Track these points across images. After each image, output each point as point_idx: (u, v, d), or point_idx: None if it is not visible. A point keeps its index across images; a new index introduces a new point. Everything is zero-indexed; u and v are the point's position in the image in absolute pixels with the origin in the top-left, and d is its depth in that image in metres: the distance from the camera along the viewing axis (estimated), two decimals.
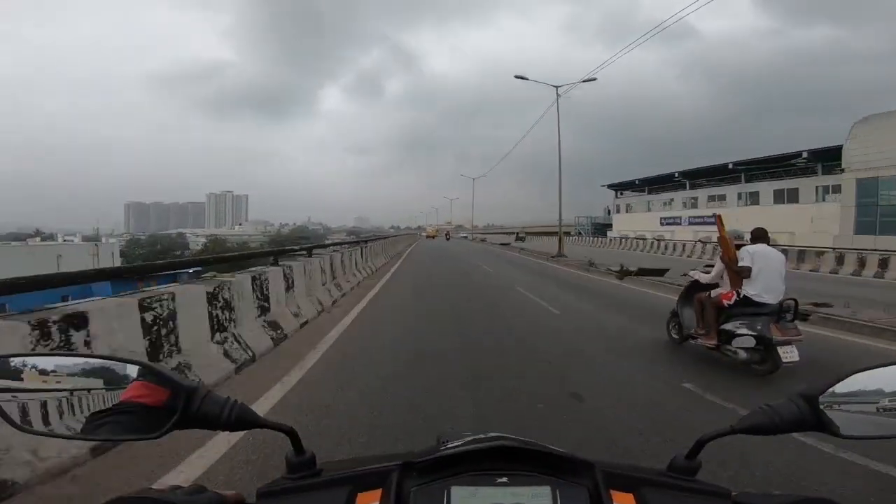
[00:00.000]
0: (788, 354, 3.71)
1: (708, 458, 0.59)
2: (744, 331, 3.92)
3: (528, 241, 46.69)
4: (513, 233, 75.89)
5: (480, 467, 0.53)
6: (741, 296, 4.04)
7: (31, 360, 0.56)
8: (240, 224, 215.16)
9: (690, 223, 38.94)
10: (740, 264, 4.03)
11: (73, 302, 2.94)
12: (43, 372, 0.55)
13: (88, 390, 0.54)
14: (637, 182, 50.92)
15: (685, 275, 5.38)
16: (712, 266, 4.64)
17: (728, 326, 4.08)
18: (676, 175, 43.44)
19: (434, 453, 0.55)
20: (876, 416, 0.57)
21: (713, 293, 4.35)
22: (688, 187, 42.56)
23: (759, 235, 4.15)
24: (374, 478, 0.54)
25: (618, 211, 53.70)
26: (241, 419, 0.55)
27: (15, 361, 0.55)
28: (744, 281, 4.03)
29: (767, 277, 3.94)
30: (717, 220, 4.39)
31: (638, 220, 47.30)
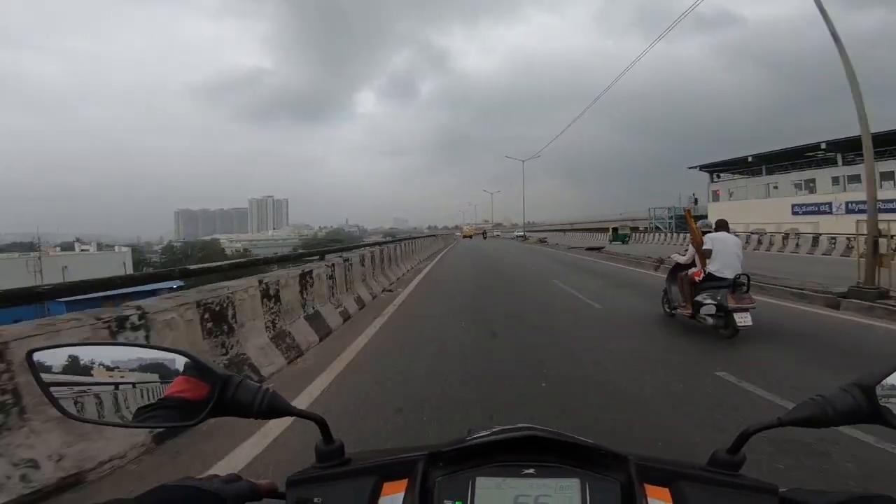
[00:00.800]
0: (743, 320, 4.67)
1: (754, 453, 0.50)
2: (708, 300, 4.93)
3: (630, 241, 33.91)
4: (560, 229, 65.65)
5: (507, 459, 0.53)
6: (706, 273, 5.05)
7: (83, 351, 0.59)
8: (274, 228, 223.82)
9: (849, 210, 27.02)
10: (704, 247, 5.05)
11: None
12: (93, 363, 0.58)
13: (135, 383, 0.58)
14: (751, 159, 36.90)
15: (670, 257, 6.39)
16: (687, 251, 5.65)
17: (698, 298, 5.09)
18: (822, 146, 30.72)
19: (460, 444, 0.56)
20: None
21: (689, 272, 5.37)
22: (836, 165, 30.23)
23: (721, 225, 5.16)
24: (401, 467, 0.55)
25: (714, 199, 40.79)
26: (273, 407, 0.57)
27: (61, 353, 0.59)
28: (707, 260, 5.04)
29: (725, 257, 4.94)
30: (687, 214, 5.40)
31: (750, 209, 34.15)
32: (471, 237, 56.34)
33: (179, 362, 0.58)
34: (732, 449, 0.55)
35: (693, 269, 5.33)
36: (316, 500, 0.53)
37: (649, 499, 0.50)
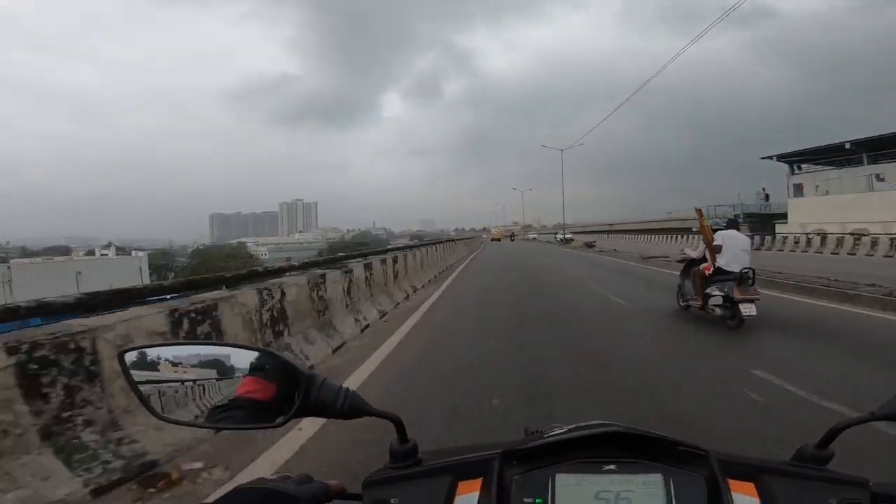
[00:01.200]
0: (747, 310, 5.15)
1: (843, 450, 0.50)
2: (716, 292, 5.45)
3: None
4: (603, 230, 52.54)
5: (584, 455, 0.53)
6: (716, 267, 5.56)
7: (163, 351, 0.61)
8: (300, 231, 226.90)
9: None
10: (714, 243, 5.57)
11: None
12: (172, 362, 0.60)
13: (211, 379, 0.58)
14: (848, 146, 29.28)
15: (683, 252, 6.90)
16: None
17: (708, 290, 5.61)
18: None
19: (536, 440, 0.55)
20: None
21: (700, 267, 5.88)
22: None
23: (731, 223, 5.65)
24: (475, 466, 0.55)
25: (797, 193, 33.89)
26: (354, 407, 0.57)
27: (150, 353, 0.61)
28: (717, 255, 5.55)
29: (732, 252, 5.44)
30: (698, 213, 5.92)
31: (846, 206, 27.41)
32: (499, 240, 54.37)
33: (252, 356, 0.59)
34: (821, 444, 0.55)
35: (704, 264, 5.84)
36: (392, 500, 0.53)
37: (734, 493, 0.49)
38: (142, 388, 0.59)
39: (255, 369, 0.58)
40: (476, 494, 0.52)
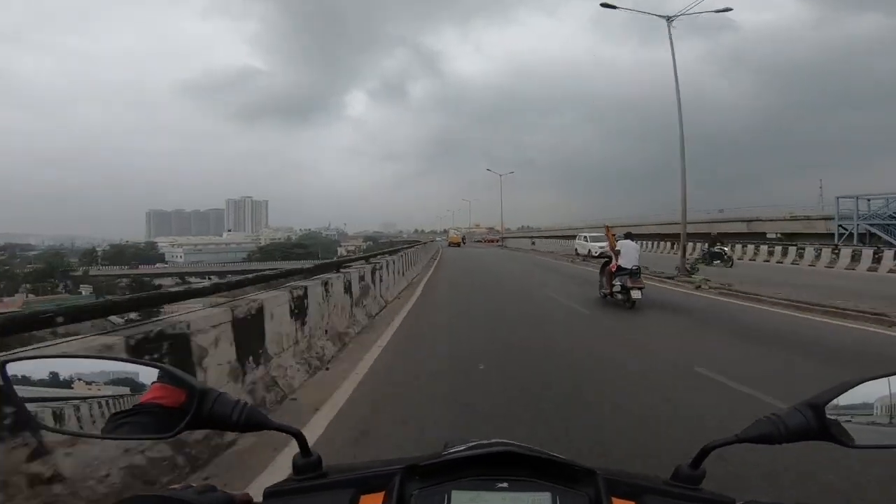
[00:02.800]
0: (636, 295, 7.97)
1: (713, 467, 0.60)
2: (617, 283, 8.23)
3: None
4: (539, 236, 56.67)
5: (482, 473, 0.57)
6: (618, 266, 8.31)
7: (60, 363, 0.61)
8: (229, 230, 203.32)
9: None
10: (615, 249, 8.34)
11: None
12: (70, 375, 0.60)
13: (112, 396, 0.59)
14: None
15: (601, 255, 9.78)
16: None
17: (614, 282, 8.36)
18: None
19: (437, 458, 0.59)
20: (885, 426, 0.59)
21: (610, 266, 8.64)
22: None
23: (627, 234, 8.49)
24: (378, 480, 0.58)
25: None
26: (251, 421, 0.60)
27: (45, 363, 0.61)
28: (619, 258, 8.32)
29: (627, 255, 8.24)
30: (606, 229, 8.71)
31: None
32: (459, 244, 49.16)
33: (152, 373, 0.61)
34: (694, 464, 0.61)
35: (612, 264, 8.61)
36: None
37: None
38: (29, 403, 0.60)
39: (162, 378, 0.61)
40: None
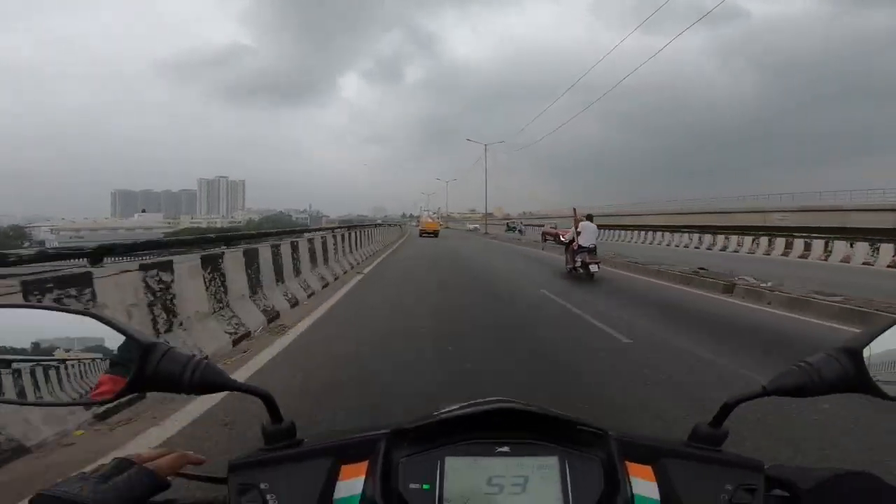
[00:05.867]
0: (593, 269, 9.87)
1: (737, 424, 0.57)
2: (578, 260, 10.10)
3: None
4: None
5: (480, 435, 0.54)
6: (579, 244, 10.19)
7: None
8: (143, 211, 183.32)
9: None
10: (577, 230, 10.21)
11: None
12: None
13: (41, 357, 0.53)
14: None
15: (566, 235, 11.65)
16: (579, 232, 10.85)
17: (576, 259, 10.23)
18: None
19: (427, 419, 0.55)
20: None
21: (572, 244, 10.51)
22: None
23: (587, 216, 10.35)
24: (360, 448, 0.54)
25: None
26: (207, 381, 0.53)
27: None
28: (579, 237, 10.19)
29: (587, 235, 10.11)
30: (574, 211, 10.55)
31: None
32: (433, 233, 36.45)
33: (85, 321, 0.54)
34: (715, 422, 0.57)
35: (573, 243, 10.49)
36: (262, 485, 0.51)
37: (632, 477, 0.52)
38: None
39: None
40: (361, 479, 0.52)
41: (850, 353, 0.54)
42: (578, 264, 10.11)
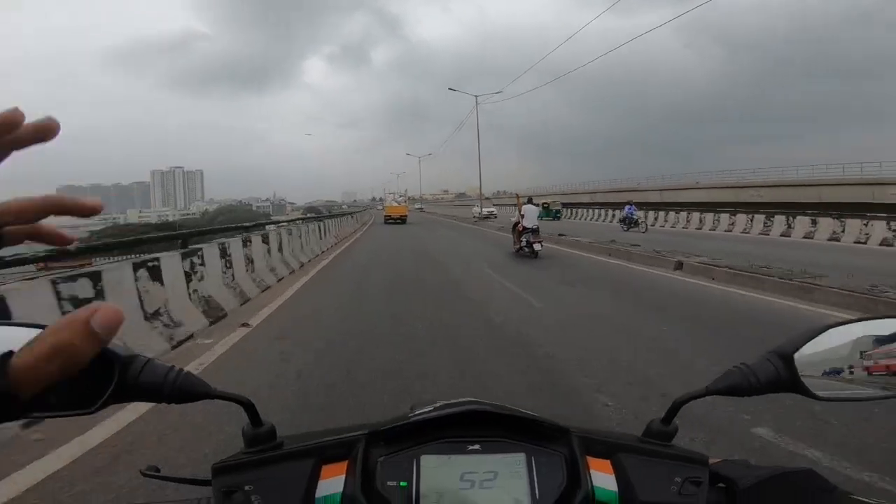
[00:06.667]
0: (537, 248, 10.86)
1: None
2: (524, 240, 11.06)
3: None
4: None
5: (452, 435, 0.57)
6: (523, 226, 11.14)
7: None
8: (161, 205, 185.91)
9: None
10: (521, 213, 11.16)
11: None
12: None
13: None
14: None
15: (511, 219, 12.60)
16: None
17: (521, 240, 11.19)
18: None
19: (402, 421, 0.59)
20: (850, 376, 0.60)
21: (518, 226, 11.46)
22: None
23: (529, 200, 11.30)
24: (340, 448, 0.58)
25: None
26: (187, 390, 0.54)
27: None
28: (523, 219, 11.14)
29: (530, 217, 11.07)
30: (517, 197, 11.47)
31: None
32: (399, 218, 32.84)
33: None
34: (666, 419, 0.63)
35: (519, 225, 11.44)
36: (247, 487, 0.54)
37: (592, 471, 0.57)
38: None
39: None
40: (342, 478, 0.55)
41: (782, 357, 0.59)
42: (524, 244, 11.08)
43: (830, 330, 0.60)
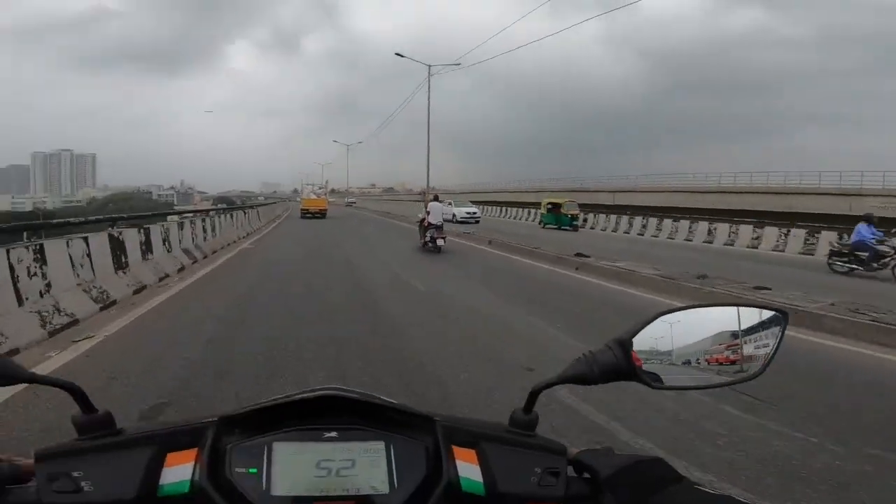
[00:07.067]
0: (440, 243, 11.73)
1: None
2: (428, 235, 11.86)
3: None
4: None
5: (308, 422, 0.56)
6: (429, 222, 11.94)
7: None
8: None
9: None
10: (427, 209, 11.96)
11: None
12: None
13: None
14: None
15: (418, 216, 13.40)
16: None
17: (426, 235, 11.97)
18: None
19: (253, 406, 0.57)
20: (685, 366, 0.62)
21: (425, 222, 12.23)
22: None
23: (435, 197, 12.15)
24: (188, 436, 0.55)
25: None
26: (5, 374, 0.52)
27: None
28: (429, 215, 11.94)
29: (435, 214, 11.92)
30: (424, 195, 12.26)
31: None
32: (317, 211, 30.31)
33: None
34: (526, 408, 0.64)
35: (425, 221, 12.23)
36: (75, 474, 0.50)
37: (457, 461, 0.56)
38: None
39: None
40: (189, 465, 0.53)
41: (621, 344, 0.61)
42: (428, 239, 11.89)
43: (663, 317, 0.62)
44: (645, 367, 0.61)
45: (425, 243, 12.13)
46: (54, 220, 6.59)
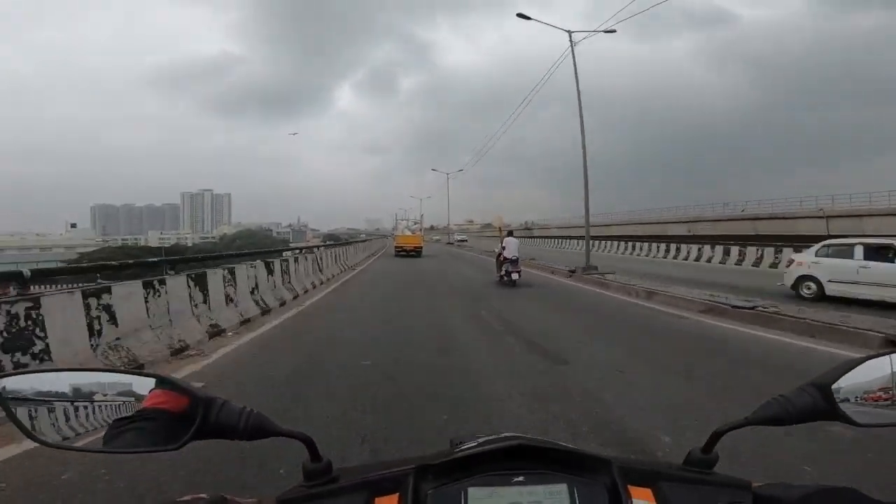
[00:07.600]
0: (514, 277, 12.29)
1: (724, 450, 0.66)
2: (503, 270, 12.46)
3: None
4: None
5: (495, 468, 0.61)
6: (504, 256, 12.56)
7: (53, 377, 0.66)
8: (74, 225, 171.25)
9: None
10: (503, 244, 12.61)
11: None
12: (65, 388, 0.64)
13: (107, 404, 0.63)
14: None
15: (495, 250, 13.98)
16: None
17: (503, 269, 12.58)
18: None
19: (450, 455, 0.63)
20: (886, 405, 0.65)
21: (501, 256, 12.87)
22: None
23: (510, 232, 12.84)
24: (391, 482, 0.62)
25: None
26: (258, 428, 0.64)
27: (39, 377, 0.67)
28: (505, 250, 12.57)
29: (510, 248, 12.53)
30: (499, 230, 12.96)
31: None
32: (413, 250, 27.87)
33: (148, 383, 0.65)
34: (706, 448, 0.67)
35: (501, 255, 12.87)
36: None
37: (634, 499, 0.59)
38: (25, 416, 0.63)
39: (160, 387, 0.64)
40: None
41: (819, 388, 0.65)
42: (503, 273, 12.48)
43: (868, 361, 0.67)
44: (843, 405, 0.66)
45: (501, 276, 12.73)
46: (175, 257, 8.06)
